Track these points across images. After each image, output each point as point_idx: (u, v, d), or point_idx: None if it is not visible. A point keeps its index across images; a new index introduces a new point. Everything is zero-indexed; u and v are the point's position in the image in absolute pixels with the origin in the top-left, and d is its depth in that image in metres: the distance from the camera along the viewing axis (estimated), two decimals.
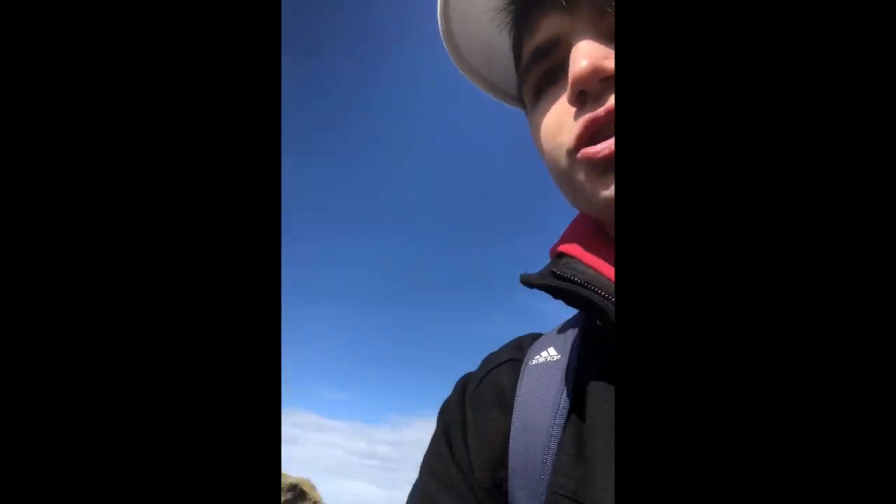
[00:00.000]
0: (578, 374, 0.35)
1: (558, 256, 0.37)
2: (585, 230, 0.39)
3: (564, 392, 0.34)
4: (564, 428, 0.32)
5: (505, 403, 0.35)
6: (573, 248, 0.37)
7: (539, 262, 0.42)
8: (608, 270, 0.34)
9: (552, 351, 0.38)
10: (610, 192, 0.33)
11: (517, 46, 0.39)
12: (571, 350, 0.37)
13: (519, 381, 0.37)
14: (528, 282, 0.36)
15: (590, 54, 0.32)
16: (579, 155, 0.33)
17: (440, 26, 0.39)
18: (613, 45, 0.33)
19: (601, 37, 0.33)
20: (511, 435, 0.33)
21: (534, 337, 0.42)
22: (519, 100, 0.44)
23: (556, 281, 0.34)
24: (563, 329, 0.40)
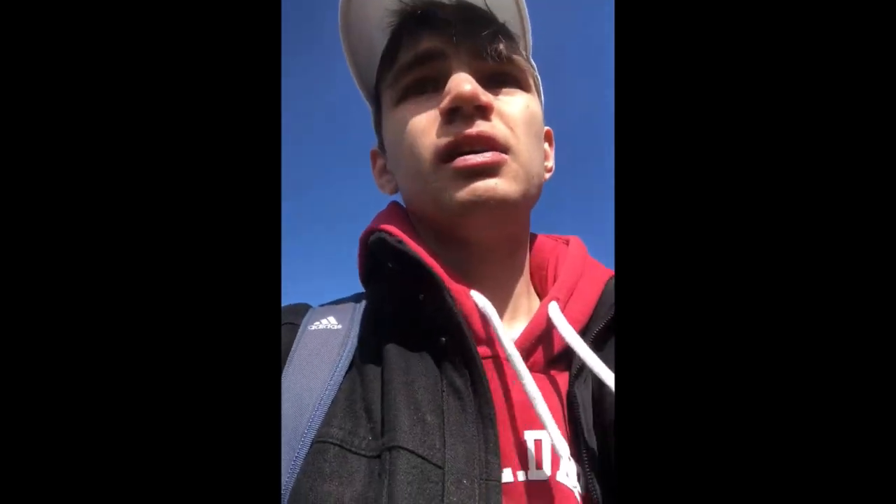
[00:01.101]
0: (361, 342, 0.37)
1: (381, 234, 0.41)
2: (396, 217, 0.44)
3: (344, 356, 0.36)
4: (339, 387, 0.34)
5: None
6: (394, 231, 0.41)
7: None
8: (423, 253, 0.39)
9: (332, 320, 0.40)
10: (466, 195, 0.38)
11: (393, 49, 0.43)
12: (353, 322, 0.40)
13: (296, 341, 0.38)
14: (382, 244, 0.39)
15: (471, 81, 0.39)
16: (463, 163, 0.38)
17: (341, 6, 0.44)
18: (482, 85, 0.40)
19: (475, 73, 0.40)
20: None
21: (306, 307, 0.44)
22: (373, 95, 0.49)
23: (410, 250, 0.38)
24: (340, 304, 0.43)
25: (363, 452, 0.31)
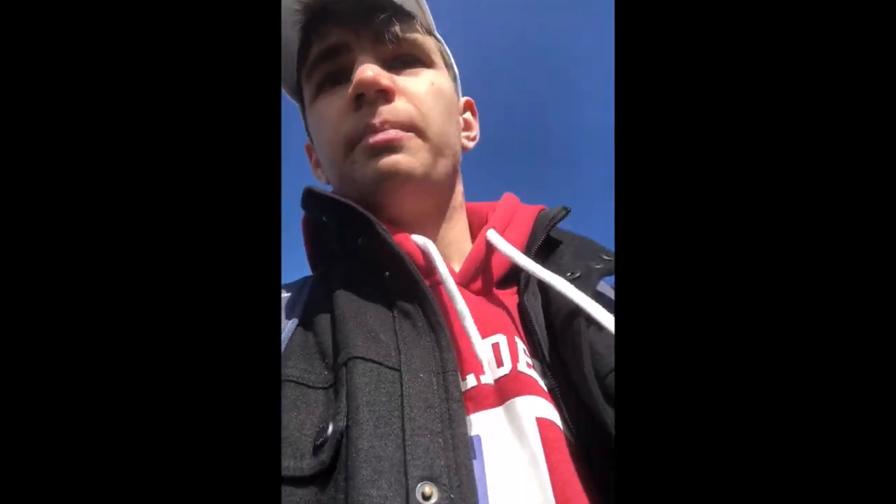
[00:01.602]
0: (309, 301, 0.40)
1: (310, 189, 0.44)
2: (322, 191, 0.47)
3: (295, 312, 0.39)
4: (291, 337, 0.36)
5: None
6: (322, 190, 0.44)
7: None
8: (352, 201, 0.41)
9: (284, 294, 0.43)
10: (372, 170, 0.42)
11: (305, 46, 0.46)
12: (302, 291, 0.43)
13: None
14: (314, 197, 0.42)
15: (373, 67, 0.41)
16: (367, 142, 0.41)
17: None
18: (386, 68, 0.43)
19: (378, 59, 0.43)
20: None
21: None
22: (296, 93, 0.51)
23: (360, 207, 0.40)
24: (292, 285, 0.46)
25: (319, 385, 0.32)
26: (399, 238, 0.40)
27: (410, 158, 0.42)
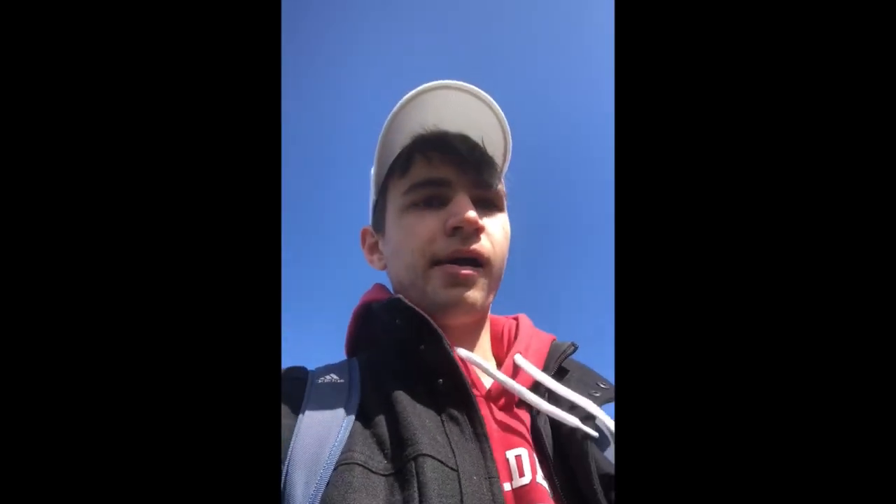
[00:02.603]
0: (364, 390, 0.46)
1: (396, 299, 0.51)
2: (386, 292, 0.57)
3: (353, 399, 0.44)
4: (353, 424, 0.41)
5: (290, 407, 0.44)
6: (403, 298, 0.52)
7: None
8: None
9: (334, 376, 0.49)
10: (446, 297, 0.51)
11: (408, 160, 0.55)
12: (353, 378, 0.48)
13: (307, 392, 0.46)
14: (398, 304, 0.49)
15: (473, 208, 0.51)
16: (448, 268, 0.51)
17: (386, 125, 0.56)
18: (477, 211, 0.52)
19: (471, 198, 0.52)
20: (295, 434, 0.40)
21: (305, 369, 0.52)
22: (379, 186, 0.60)
23: (416, 311, 0.48)
24: (335, 366, 0.52)
25: (381, 472, 0.37)
26: (451, 347, 0.47)
27: (476, 294, 0.52)
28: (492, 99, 0.56)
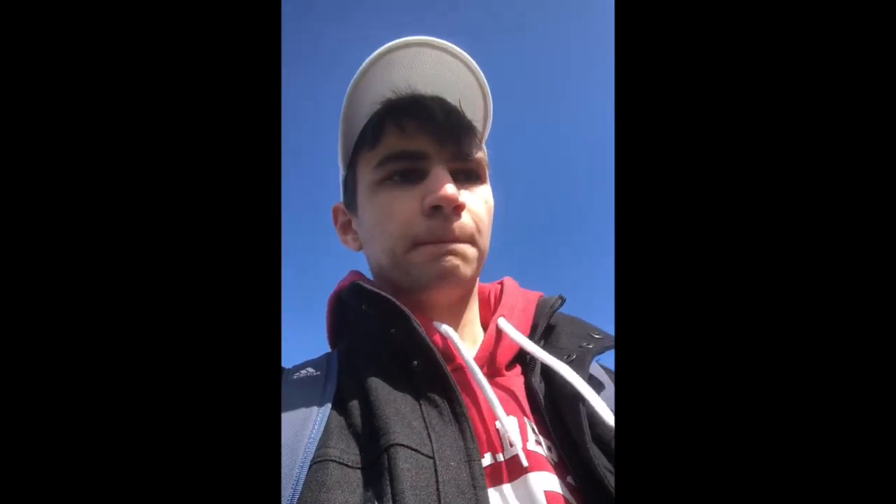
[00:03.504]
0: (340, 380, 0.44)
1: (357, 283, 0.49)
2: (359, 277, 0.53)
3: (328, 391, 0.42)
4: (328, 417, 0.39)
5: None
6: (366, 281, 0.49)
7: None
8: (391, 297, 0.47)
9: (311, 370, 0.47)
10: (435, 272, 0.47)
11: (378, 129, 0.49)
12: (329, 369, 0.46)
13: (282, 389, 0.44)
14: (359, 289, 0.47)
15: (452, 183, 0.46)
16: (432, 248, 0.47)
17: (350, 88, 0.50)
18: (454, 180, 0.47)
19: (450, 170, 0.48)
20: None
21: (282, 367, 0.50)
22: (347, 160, 0.55)
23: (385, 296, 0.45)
24: (314, 361, 0.50)
25: (356, 465, 0.36)
26: (424, 324, 0.45)
27: (464, 266, 0.48)
28: (468, 56, 0.50)
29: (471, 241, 0.48)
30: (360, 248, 0.56)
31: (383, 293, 0.45)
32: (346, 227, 0.59)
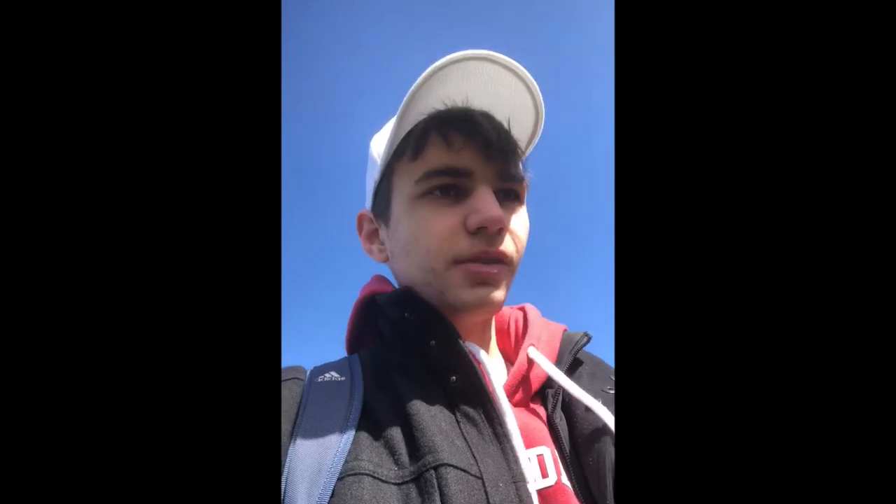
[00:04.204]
0: (367, 389, 0.42)
1: (405, 291, 0.48)
2: (389, 285, 0.53)
3: (356, 401, 0.41)
4: (357, 427, 0.38)
5: (287, 410, 0.40)
6: (411, 290, 0.49)
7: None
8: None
9: (335, 374, 0.45)
10: (471, 298, 0.46)
11: (421, 143, 0.47)
12: (354, 375, 0.45)
13: (304, 393, 0.43)
14: (408, 296, 0.47)
15: (497, 205, 0.45)
16: (472, 267, 0.46)
17: (410, 93, 0.47)
18: (497, 198, 0.46)
19: (494, 189, 0.47)
20: (294, 440, 0.37)
21: (302, 368, 0.48)
22: (382, 173, 0.52)
23: (425, 306, 0.45)
24: (335, 364, 0.48)
25: (393, 481, 0.34)
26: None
27: (500, 292, 0.47)
28: (527, 72, 0.48)
29: (510, 263, 0.48)
30: (385, 259, 0.54)
31: (430, 303, 0.45)
32: (371, 237, 0.56)
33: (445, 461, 0.34)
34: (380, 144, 0.53)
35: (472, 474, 0.34)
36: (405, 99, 0.47)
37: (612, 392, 0.47)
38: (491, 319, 0.53)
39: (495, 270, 0.46)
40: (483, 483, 0.34)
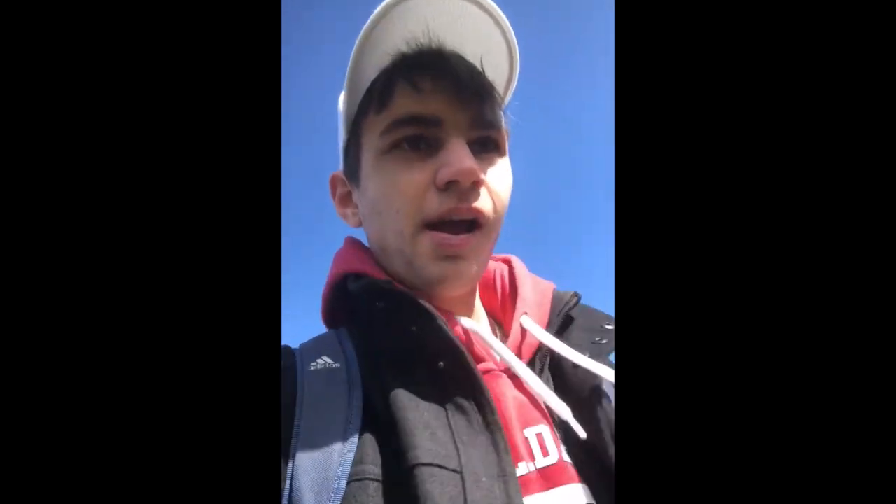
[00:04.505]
0: (364, 379, 0.39)
1: (368, 278, 0.44)
2: (364, 257, 0.48)
3: (356, 395, 0.38)
4: (361, 426, 0.35)
5: (284, 409, 0.37)
6: (377, 274, 0.45)
7: None
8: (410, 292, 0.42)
9: (328, 359, 0.41)
10: (436, 272, 0.42)
11: (386, 92, 0.42)
12: (348, 359, 0.41)
13: (299, 382, 0.39)
14: (373, 286, 0.42)
15: (470, 156, 0.40)
16: (438, 237, 0.41)
17: (359, 41, 0.42)
18: (475, 156, 0.42)
19: (467, 139, 0.42)
20: (295, 437, 0.35)
21: (288, 348, 0.45)
22: (349, 130, 0.48)
23: (404, 290, 0.41)
24: (323, 343, 0.44)
25: (392, 482, 0.33)
26: (447, 320, 0.40)
27: (470, 267, 0.43)
28: (496, 6, 0.42)
29: (486, 223, 0.43)
30: (359, 223, 0.50)
31: (401, 288, 0.41)
32: (345, 200, 0.52)
33: (420, 460, 0.32)
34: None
35: (449, 469, 0.32)
36: (358, 40, 0.41)
37: (604, 342, 0.45)
38: (476, 285, 0.49)
39: (463, 240, 0.42)
40: (462, 478, 0.32)
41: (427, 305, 0.40)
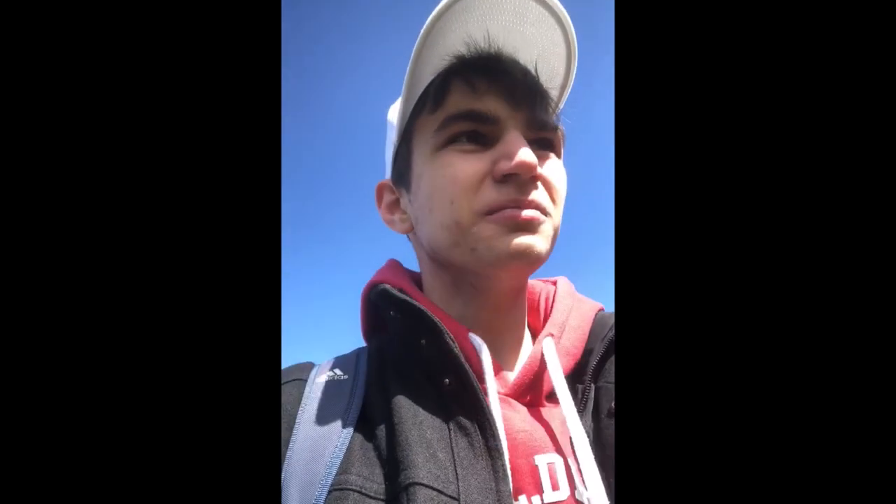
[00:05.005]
0: (368, 389, 0.39)
1: (384, 286, 0.44)
2: (397, 272, 0.48)
3: (354, 404, 0.38)
4: (353, 434, 0.35)
5: (286, 419, 0.38)
6: (396, 282, 0.45)
7: None
8: (428, 306, 0.42)
9: (338, 371, 0.42)
10: (507, 247, 0.39)
11: (441, 91, 0.42)
12: (359, 371, 0.42)
13: (305, 394, 0.40)
14: (385, 294, 0.42)
15: (530, 151, 0.39)
16: (500, 215, 0.39)
17: (422, 34, 0.42)
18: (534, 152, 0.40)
19: (525, 138, 0.41)
20: (291, 446, 0.35)
21: (310, 365, 0.45)
22: (401, 136, 0.47)
23: (411, 302, 0.41)
24: (343, 357, 0.45)
25: (381, 497, 0.32)
26: (457, 335, 0.39)
27: (542, 242, 0.40)
28: (561, 6, 0.42)
29: (546, 215, 0.41)
30: (408, 229, 0.48)
31: (411, 300, 0.40)
32: (392, 207, 0.50)
33: (417, 480, 0.31)
34: (396, 112, 0.48)
35: (446, 495, 0.31)
36: (416, 45, 0.41)
37: None
38: (523, 291, 0.47)
39: (535, 215, 0.40)
40: None
41: (436, 320, 0.39)
